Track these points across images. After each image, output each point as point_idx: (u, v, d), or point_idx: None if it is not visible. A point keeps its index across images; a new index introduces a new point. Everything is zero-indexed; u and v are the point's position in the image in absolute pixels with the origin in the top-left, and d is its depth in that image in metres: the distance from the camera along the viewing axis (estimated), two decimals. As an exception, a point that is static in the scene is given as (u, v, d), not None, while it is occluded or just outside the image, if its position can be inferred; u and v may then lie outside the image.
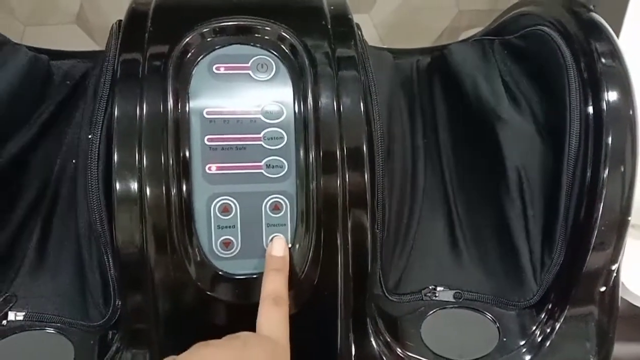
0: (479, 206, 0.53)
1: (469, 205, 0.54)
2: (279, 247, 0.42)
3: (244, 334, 0.38)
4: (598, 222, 0.45)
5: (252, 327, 0.39)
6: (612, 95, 0.46)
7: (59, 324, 0.46)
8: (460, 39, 0.81)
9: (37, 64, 0.51)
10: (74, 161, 0.49)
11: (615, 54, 0.47)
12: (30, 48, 0.53)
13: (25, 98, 0.49)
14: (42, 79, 0.51)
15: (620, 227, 0.46)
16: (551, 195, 0.48)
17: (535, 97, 0.51)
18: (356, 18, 0.49)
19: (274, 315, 0.39)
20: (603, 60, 0.46)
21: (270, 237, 0.43)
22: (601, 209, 0.45)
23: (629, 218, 0.46)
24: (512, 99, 0.52)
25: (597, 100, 0.46)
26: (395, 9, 0.95)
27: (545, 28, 0.51)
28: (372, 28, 0.95)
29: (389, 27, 0.97)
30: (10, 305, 0.46)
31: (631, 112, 0.46)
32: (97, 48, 0.90)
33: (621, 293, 0.58)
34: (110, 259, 0.44)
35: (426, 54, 0.60)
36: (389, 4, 0.94)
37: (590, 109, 0.46)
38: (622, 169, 0.45)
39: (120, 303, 0.44)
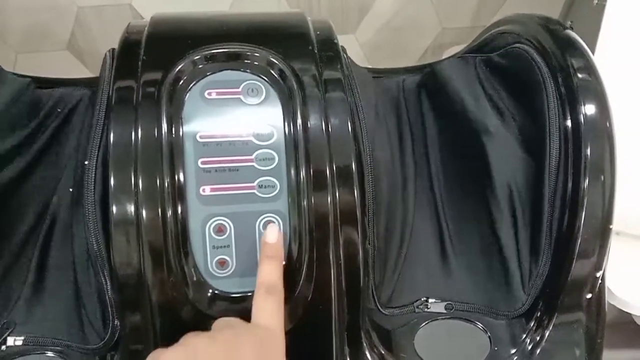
0: (468, 221, 0.54)
1: (458, 220, 0.55)
2: (272, 234, 0.43)
3: (234, 322, 0.39)
4: (581, 231, 0.47)
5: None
6: (589, 109, 0.47)
7: (58, 348, 0.46)
8: (444, 56, 0.84)
9: (23, 90, 0.52)
10: (70, 189, 0.50)
11: (590, 68, 0.49)
12: (21, 76, 0.54)
13: (11, 124, 0.50)
14: (28, 105, 0.52)
15: (602, 235, 0.47)
16: (535, 207, 0.50)
17: (516, 113, 0.53)
18: (342, 39, 0.50)
19: (266, 304, 0.39)
20: (579, 75, 0.48)
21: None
22: (583, 218, 0.46)
23: (611, 226, 0.48)
24: (498, 114, 0.54)
25: (574, 114, 0.47)
26: (379, 29, 0.97)
27: (524, 46, 0.53)
28: (358, 48, 0.97)
29: (374, 46, 0.99)
30: (10, 330, 0.47)
31: (608, 124, 0.47)
32: (89, 74, 0.92)
33: (609, 299, 0.60)
34: (107, 281, 0.44)
35: (411, 72, 0.62)
36: (374, 24, 0.96)
37: (569, 123, 0.48)
38: (602, 179, 0.46)
39: (118, 324, 0.45)
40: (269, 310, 0.39)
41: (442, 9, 0.96)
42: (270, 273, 0.41)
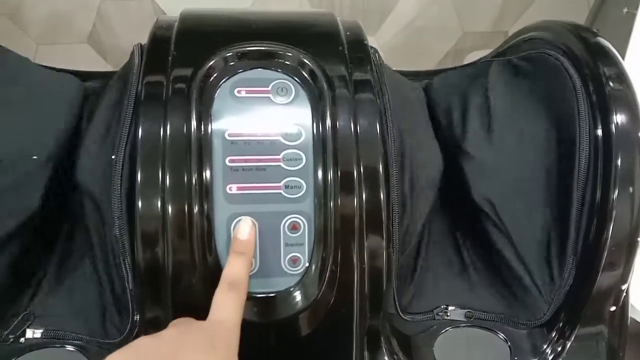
0: (474, 234, 0.54)
1: (468, 232, 0.55)
2: (244, 230, 0.42)
3: (184, 321, 0.38)
4: (608, 242, 0.46)
5: (272, 345, 0.39)
6: (620, 118, 0.46)
7: (76, 341, 0.46)
8: (465, 60, 0.83)
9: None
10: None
11: (622, 77, 0.48)
12: (46, 67, 0.54)
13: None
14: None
15: (630, 247, 0.47)
16: (563, 216, 0.49)
17: (536, 119, 0.52)
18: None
19: (226, 299, 0.39)
20: (611, 83, 0.47)
21: (287, 256, 0.44)
22: (611, 229, 0.46)
23: (639, 239, 0.47)
24: (485, 128, 0.53)
25: (606, 123, 0.47)
26: (400, 31, 0.96)
27: (553, 52, 0.52)
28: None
29: (394, 49, 0.98)
30: (28, 323, 0.47)
31: (639, 134, 0.47)
32: (108, 68, 0.92)
33: (631, 314, 0.59)
34: (129, 274, 0.44)
35: (430, 76, 0.61)
36: (395, 26, 0.96)
37: (600, 132, 0.47)
38: (632, 190, 0.46)
39: (138, 319, 0.45)
40: (227, 305, 0.39)
41: (464, 13, 0.96)
42: (236, 269, 0.40)
